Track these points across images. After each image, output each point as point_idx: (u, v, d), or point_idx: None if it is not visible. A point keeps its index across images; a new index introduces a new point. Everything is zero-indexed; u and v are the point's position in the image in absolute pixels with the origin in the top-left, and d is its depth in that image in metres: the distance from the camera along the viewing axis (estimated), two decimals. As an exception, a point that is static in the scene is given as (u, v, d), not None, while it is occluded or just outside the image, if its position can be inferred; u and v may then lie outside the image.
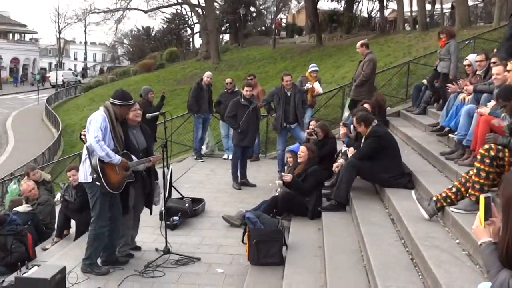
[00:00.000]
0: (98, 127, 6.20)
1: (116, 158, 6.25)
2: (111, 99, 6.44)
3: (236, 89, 13.36)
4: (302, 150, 8.24)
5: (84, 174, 6.36)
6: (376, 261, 5.12)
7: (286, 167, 9.53)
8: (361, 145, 7.85)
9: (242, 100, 10.75)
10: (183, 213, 8.59)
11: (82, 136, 6.59)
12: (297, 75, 16.69)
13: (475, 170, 5.50)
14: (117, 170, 6.32)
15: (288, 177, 7.91)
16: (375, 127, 7.75)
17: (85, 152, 6.36)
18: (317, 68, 13.67)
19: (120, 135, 6.42)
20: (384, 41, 28.49)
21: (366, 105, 9.62)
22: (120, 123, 6.45)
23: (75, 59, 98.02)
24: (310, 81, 13.16)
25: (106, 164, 6.23)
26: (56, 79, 63.97)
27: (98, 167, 6.18)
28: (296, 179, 8.03)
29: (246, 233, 6.66)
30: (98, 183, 6.22)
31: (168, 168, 7.37)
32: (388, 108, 13.87)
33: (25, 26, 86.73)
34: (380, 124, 8.08)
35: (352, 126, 8.57)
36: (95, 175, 6.21)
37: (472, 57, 9.83)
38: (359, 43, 12.31)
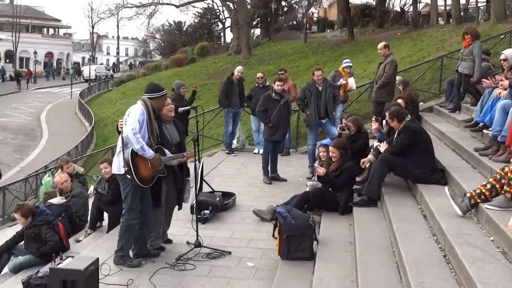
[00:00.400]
0: (137, 119, 6.28)
1: (150, 153, 6.31)
2: (145, 94, 6.53)
3: (267, 84, 13.35)
4: (332, 151, 8.19)
5: (118, 165, 6.45)
6: (408, 257, 5.07)
7: (317, 162, 9.49)
8: (394, 140, 7.77)
9: (273, 94, 10.73)
10: (214, 207, 8.64)
11: (119, 127, 6.66)
12: (328, 69, 16.59)
13: (511, 167, 5.41)
14: (148, 164, 6.38)
15: (321, 171, 7.88)
16: (408, 122, 7.66)
17: (120, 144, 6.44)
18: (351, 64, 13.56)
19: (156, 130, 6.49)
20: (417, 35, 28.15)
21: (399, 100, 9.53)
22: (155, 118, 6.52)
23: (108, 53, 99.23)
24: (343, 77, 13.07)
25: (139, 158, 6.29)
26: (89, 73, 64.77)
27: (130, 160, 6.26)
28: (330, 174, 8.00)
29: (277, 228, 6.66)
30: (129, 176, 6.30)
31: (199, 162, 7.40)
32: (421, 103, 13.72)
33: (59, 21, 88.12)
34: (413, 119, 7.99)
35: (384, 121, 8.49)
36: (126, 168, 6.29)
37: (508, 52, 9.66)
38: (381, 44, 12.26)
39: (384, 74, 11.86)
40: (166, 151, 6.63)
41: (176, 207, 7.28)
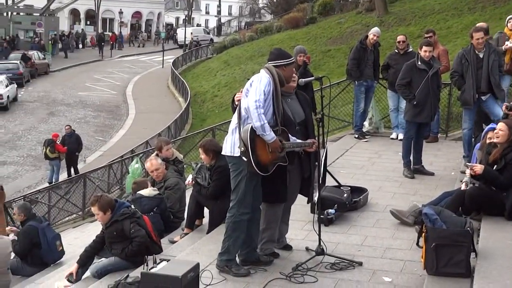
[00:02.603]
0: (262, 90, 6.36)
1: (271, 135, 6.38)
2: (269, 62, 6.62)
3: (411, 49, 13.16)
4: (501, 128, 7.93)
5: (231, 145, 6.57)
6: None
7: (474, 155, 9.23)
8: None
9: (419, 63, 10.55)
10: (340, 205, 8.64)
11: (236, 100, 6.77)
12: (490, 31, 16.02)
13: None
14: (268, 149, 6.46)
15: (478, 168, 7.67)
16: None
17: (235, 120, 6.57)
18: (515, 17, 13.02)
19: (281, 106, 6.56)
20: None
21: None
22: None
23: (207, 13, 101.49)
24: (509, 38, 12.58)
25: (258, 138, 6.39)
26: (185, 37, 66.46)
27: (249, 139, 6.36)
28: (489, 169, 7.78)
29: (423, 234, 6.56)
30: (245, 159, 6.40)
31: (323, 148, 7.41)
32: None
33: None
34: None
35: None
36: (243, 148, 6.39)
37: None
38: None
39: None
40: (291, 137, 6.68)
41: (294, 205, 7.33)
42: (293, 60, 6.75)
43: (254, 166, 6.40)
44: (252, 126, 6.35)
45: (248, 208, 6.66)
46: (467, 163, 8.53)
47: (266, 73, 6.51)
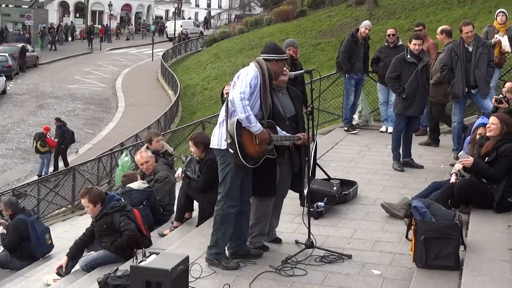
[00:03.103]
0: (248, 82, 6.38)
1: (257, 127, 6.39)
2: (262, 54, 6.63)
3: (400, 43, 13.17)
4: (493, 122, 7.97)
5: (219, 138, 6.57)
6: None
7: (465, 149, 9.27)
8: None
9: (409, 56, 10.56)
10: (329, 198, 8.64)
11: (225, 93, 6.77)
12: (479, 24, 16.09)
13: None
14: (256, 141, 6.47)
15: (468, 161, 7.72)
16: None
17: (223, 112, 6.57)
18: (504, 11, 13.04)
19: (269, 100, 6.57)
20: None
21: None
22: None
23: (197, 5, 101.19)
24: (499, 32, 12.61)
25: (245, 130, 6.40)
26: (174, 30, 66.33)
27: (235, 131, 6.37)
28: (479, 161, 7.82)
29: (412, 227, 6.58)
30: (232, 151, 6.40)
31: (313, 141, 7.41)
32: None
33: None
34: None
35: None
36: (229, 140, 6.39)
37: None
38: (439, 29, 12.19)
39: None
40: (278, 129, 6.69)
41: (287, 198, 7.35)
42: (285, 57, 6.75)
43: (241, 158, 6.40)
44: (238, 118, 6.36)
45: (235, 201, 6.66)
46: (459, 155, 8.56)
47: (255, 66, 6.52)
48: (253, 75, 6.42)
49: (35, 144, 23.23)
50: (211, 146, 6.87)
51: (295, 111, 7.02)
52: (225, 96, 6.76)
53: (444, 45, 12.01)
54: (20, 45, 47.95)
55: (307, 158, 7.07)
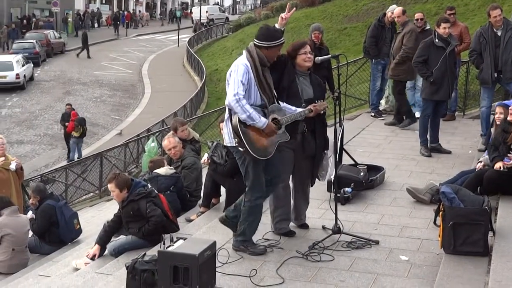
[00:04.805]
0: (240, 80, 6.33)
1: (261, 121, 6.34)
2: (255, 39, 6.54)
3: (428, 27, 13.03)
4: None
5: (229, 136, 6.58)
6: None
7: (493, 129, 9.18)
8: None
9: (437, 40, 10.47)
10: (356, 183, 8.63)
11: None
12: (508, 8, 15.88)
13: None
14: (264, 131, 6.42)
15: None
16: None
17: (227, 110, 6.56)
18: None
19: (267, 84, 6.52)
20: None
21: None
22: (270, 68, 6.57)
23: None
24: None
25: (249, 127, 6.37)
26: (200, 16, 66.31)
27: (240, 130, 6.34)
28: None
29: (440, 213, 6.55)
30: (242, 149, 6.40)
31: (340, 126, 7.38)
32: None
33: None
34: None
35: None
36: (237, 139, 6.40)
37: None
38: (399, 10, 12.65)
39: (403, 46, 12.20)
40: (287, 110, 6.66)
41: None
42: (278, 43, 6.52)
43: (253, 154, 6.38)
44: (239, 117, 6.33)
45: (261, 191, 6.66)
46: (483, 159, 8.48)
47: (246, 57, 6.46)
48: (243, 71, 6.36)
49: (81, 129, 23.56)
50: (224, 144, 6.90)
51: (313, 96, 6.98)
52: None
53: (400, 25, 12.55)
54: (47, 31, 48.32)
55: (325, 151, 7.10)
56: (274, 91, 6.66)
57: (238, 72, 6.38)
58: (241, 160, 6.62)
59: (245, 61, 6.45)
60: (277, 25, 6.78)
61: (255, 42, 6.52)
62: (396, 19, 12.82)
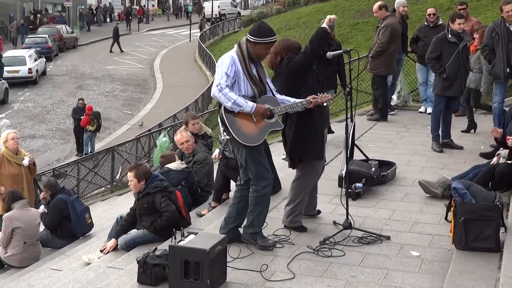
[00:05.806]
0: (224, 72, 6.40)
1: (248, 106, 6.40)
2: (248, 34, 6.59)
3: (441, 22, 13.01)
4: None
5: (222, 130, 6.71)
6: None
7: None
8: None
9: (450, 36, 10.42)
10: (368, 179, 8.62)
11: None
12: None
13: None
14: (253, 118, 6.47)
15: (510, 140, 7.63)
16: None
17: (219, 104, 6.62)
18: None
19: (256, 77, 6.57)
20: None
21: None
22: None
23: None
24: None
25: (236, 114, 6.42)
26: (212, 11, 66.30)
27: (226, 119, 6.40)
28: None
29: (451, 208, 6.54)
30: (229, 137, 6.47)
31: (352, 121, 7.37)
32: None
33: None
34: None
35: None
36: (223, 127, 6.49)
37: None
38: (376, 5, 12.68)
39: (377, 41, 12.47)
40: (287, 99, 6.71)
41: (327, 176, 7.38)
42: (267, 41, 6.54)
43: (240, 141, 6.43)
44: (224, 106, 6.40)
45: (267, 179, 6.68)
46: (501, 153, 8.44)
47: (236, 50, 6.53)
48: (228, 63, 6.44)
49: (96, 123, 23.66)
50: (222, 138, 6.96)
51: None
52: None
53: (381, 19, 12.58)
54: (60, 26, 48.44)
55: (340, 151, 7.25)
56: (267, 84, 6.71)
57: (223, 64, 6.48)
58: (238, 152, 6.67)
59: (232, 53, 6.55)
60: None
61: (247, 37, 6.59)
62: (375, 14, 12.96)
